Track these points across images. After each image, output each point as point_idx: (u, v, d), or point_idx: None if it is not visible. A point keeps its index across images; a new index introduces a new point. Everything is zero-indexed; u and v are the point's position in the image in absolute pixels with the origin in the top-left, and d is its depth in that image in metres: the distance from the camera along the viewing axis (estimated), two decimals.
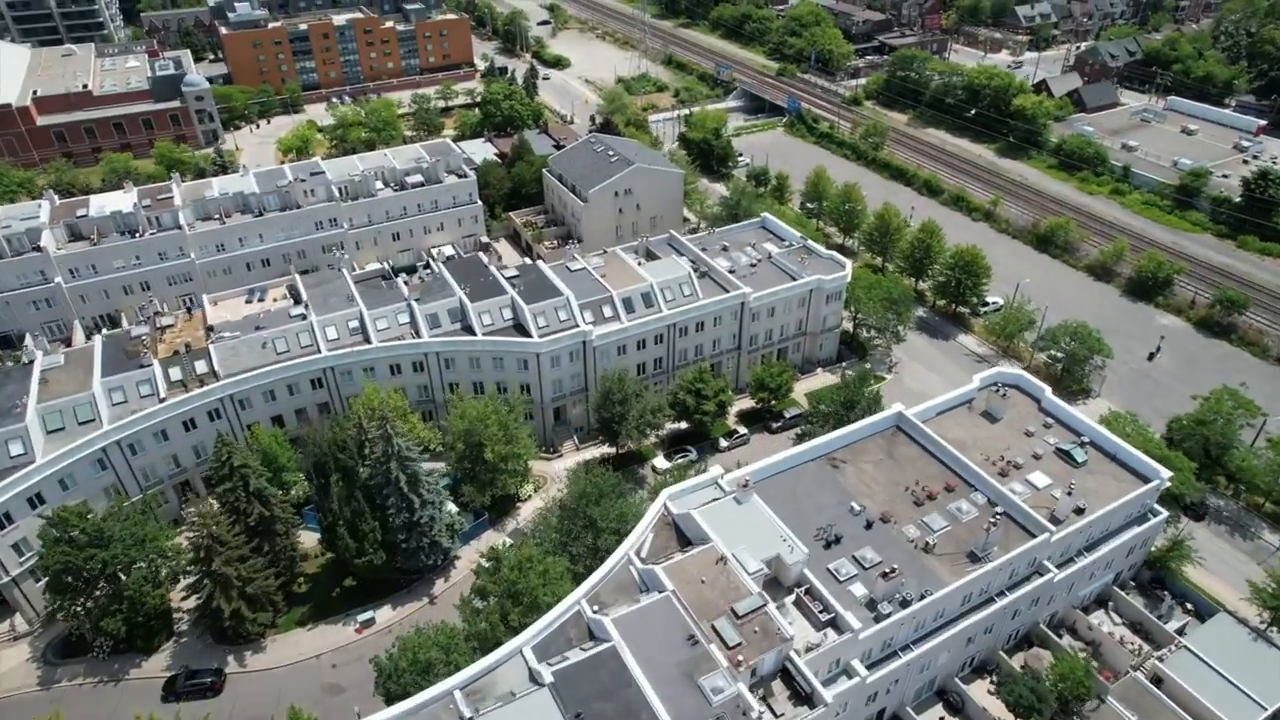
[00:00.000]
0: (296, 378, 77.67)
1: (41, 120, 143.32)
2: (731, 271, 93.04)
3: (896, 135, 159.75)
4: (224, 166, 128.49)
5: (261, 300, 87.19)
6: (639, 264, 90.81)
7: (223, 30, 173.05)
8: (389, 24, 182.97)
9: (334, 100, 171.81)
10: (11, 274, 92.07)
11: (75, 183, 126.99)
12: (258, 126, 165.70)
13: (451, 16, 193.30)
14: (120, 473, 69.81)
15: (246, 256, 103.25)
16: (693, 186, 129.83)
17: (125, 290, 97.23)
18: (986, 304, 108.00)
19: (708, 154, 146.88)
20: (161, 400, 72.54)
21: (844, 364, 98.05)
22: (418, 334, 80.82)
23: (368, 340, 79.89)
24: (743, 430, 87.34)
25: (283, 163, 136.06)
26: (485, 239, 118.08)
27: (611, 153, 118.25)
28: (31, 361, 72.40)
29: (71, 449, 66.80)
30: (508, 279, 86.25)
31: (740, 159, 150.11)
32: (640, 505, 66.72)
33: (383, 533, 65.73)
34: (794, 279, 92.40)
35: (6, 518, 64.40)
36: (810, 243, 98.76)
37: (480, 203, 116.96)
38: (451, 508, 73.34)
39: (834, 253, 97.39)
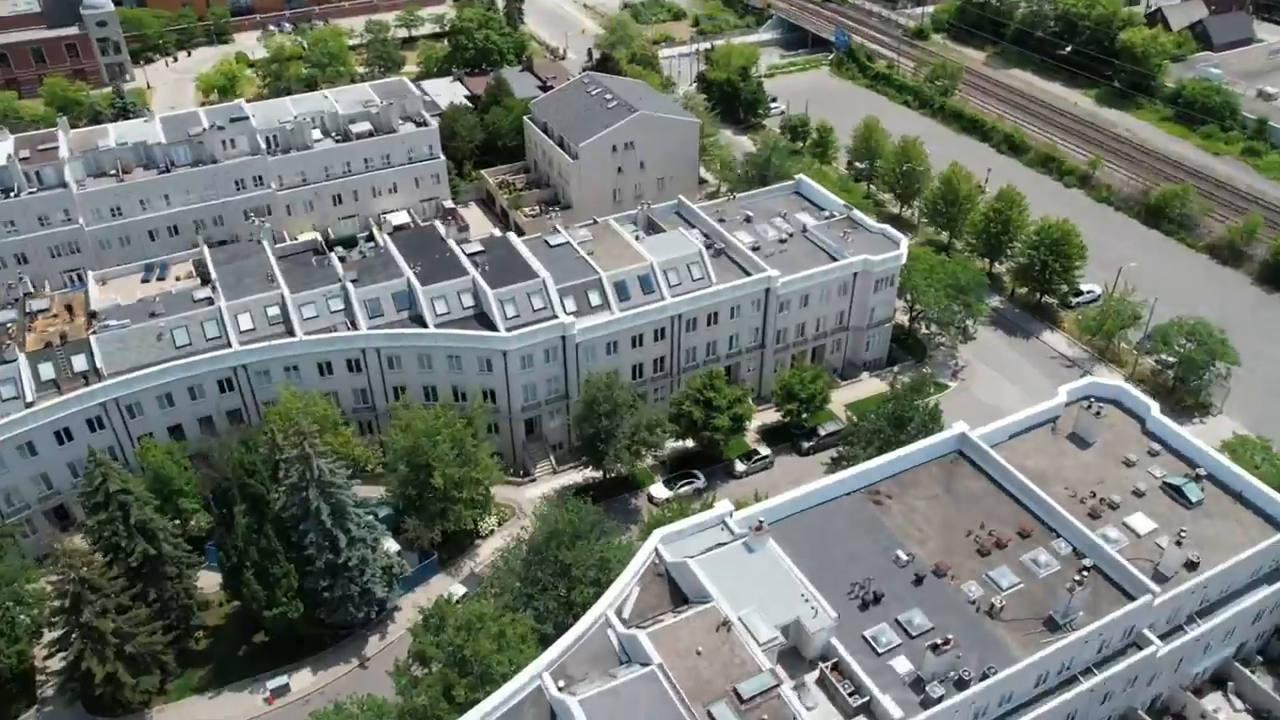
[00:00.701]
0: (200, 378, 75.90)
1: None
2: (755, 249, 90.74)
3: (971, 78, 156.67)
4: (126, 109, 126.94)
5: (161, 279, 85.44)
6: (637, 238, 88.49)
7: None
8: None
9: (270, 28, 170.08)
10: None
11: None
12: (175, 60, 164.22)
13: None
14: None
15: (149, 223, 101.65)
16: (712, 140, 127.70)
17: None
18: (1080, 294, 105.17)
19: (733, 99, 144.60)
20: (28, 405, 70.80)
21: (896, 368, 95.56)
22: (354, 325, 78.80)
23: (291, 332, 77.94)
24: (765, 451, 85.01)
25: (204, 104, 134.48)
26: (449, 203, 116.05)
27: (610, 97, 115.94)
28: None
29: None
30: (470, 256, 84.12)
31: (773, 106, 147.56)
32: (630, 548, 64.47)
33: (300, 578, 63.71)
34: (834, 259, 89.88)
35: None
36: (857, 213, 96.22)
37: (443, 158, 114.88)
38: (391, 546, 71.27)
39: (886, 226, 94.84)
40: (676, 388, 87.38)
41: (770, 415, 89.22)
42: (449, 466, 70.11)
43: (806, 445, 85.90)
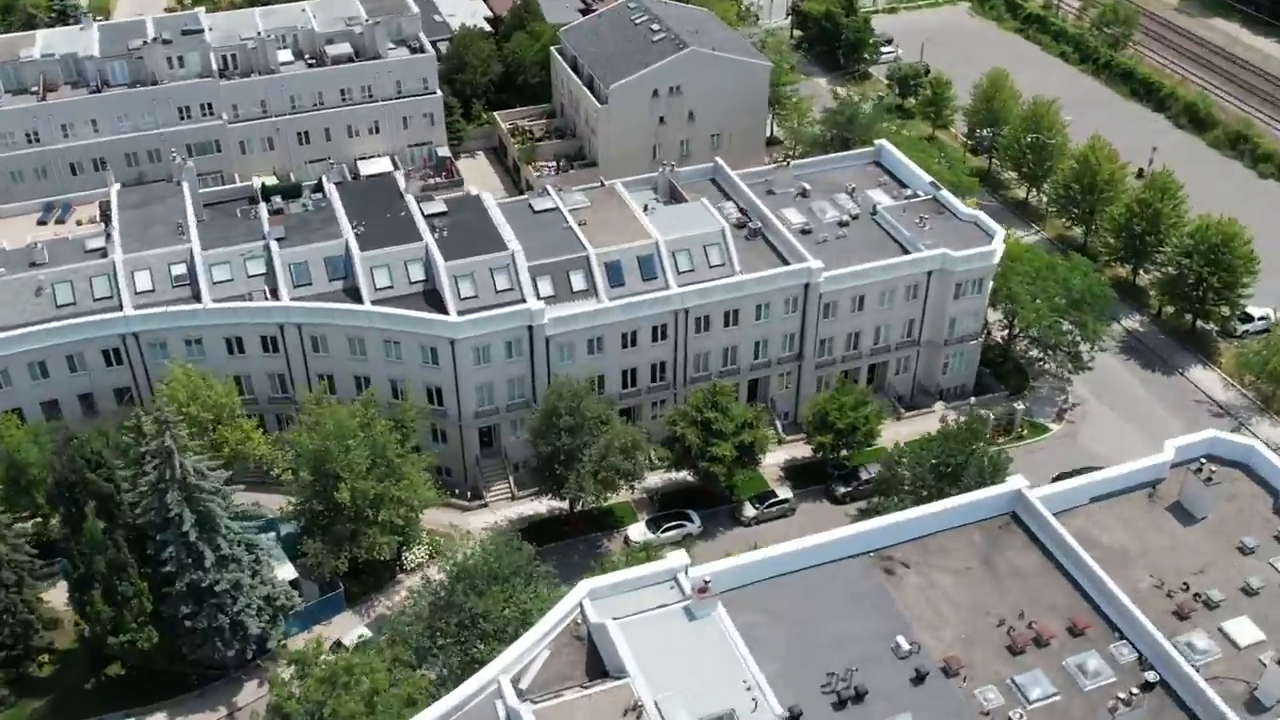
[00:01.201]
0: (82, 345, 78.79)
1: None
2: (805, 232, 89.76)
3: (1152, 26, 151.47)
4: (63, 12, 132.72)
5: (61, 221, 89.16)
6: (648, 208, 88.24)
7: None
8: None
9: None
10: None
11: None
12: None
13: None
14: None
15: (71, 153, 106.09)
16: (792, 88, 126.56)
17: None
18: (1249, 319, 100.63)
19: (833, 39, 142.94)
20: None
21: (983, 398, 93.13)
22: (275, 294, 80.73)
23: (197, 297, 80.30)
24: (785, 494, 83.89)
25: (169, 11, 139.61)
26: (444, 151, 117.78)
27: (657, 27, 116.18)
28: None
29: None
30: (429, 218, 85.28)
31: (885, 51, 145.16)
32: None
33: (157, 600, 65.59)
34: (905, 251, 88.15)
35: None
36: (945, 194, 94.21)
37: (440, 94, 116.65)
38: (284, 573, 72.82)
39: (980, 214, 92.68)
40: (681, 400, 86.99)
41: (800, 450, 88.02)
42: (360, 479, 71.15)
43: (842, 491, 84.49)
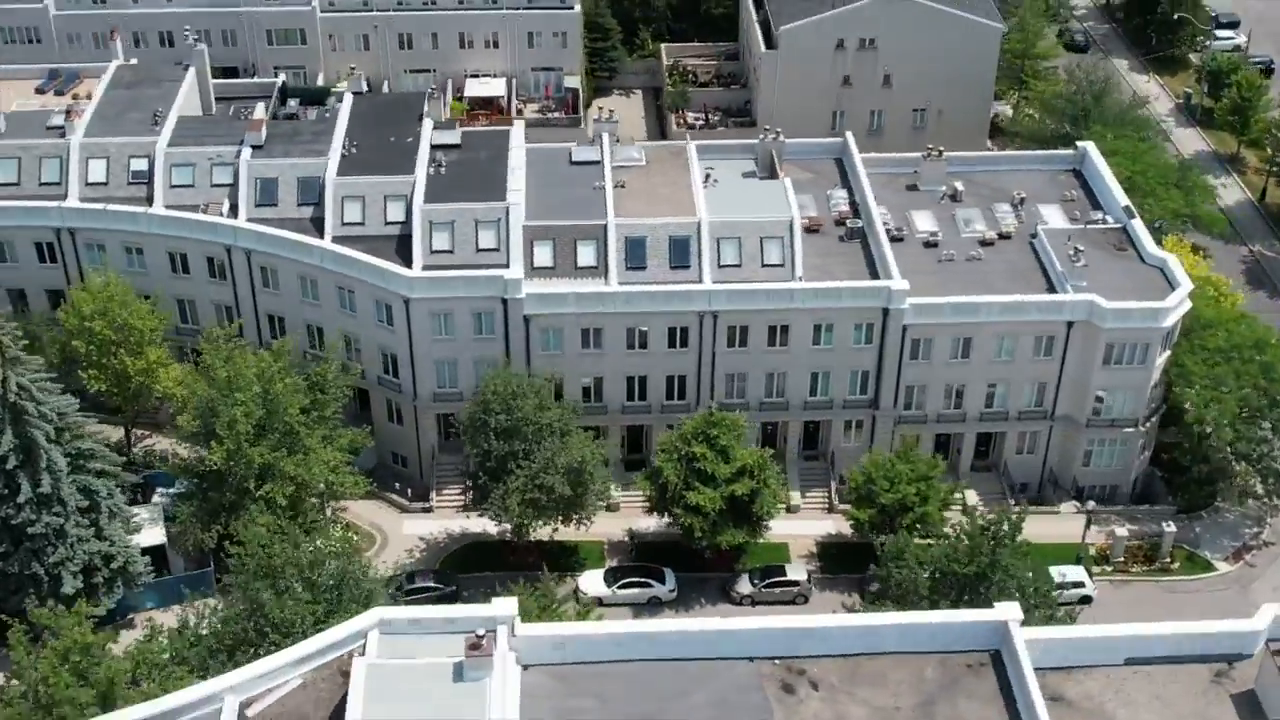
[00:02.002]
0: (13, 234, 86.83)
1: None
2: (930, 245, 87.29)
3: None
4: None
5: (60, 93, 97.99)
6: (709, 178, 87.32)
7: None
8: None
9: None
10: None
11: None
12: None
13: None
14: None
15: (138, 21, 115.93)
16: (1048, 64, 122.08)
17: None
18: None
19: (1148, 9, 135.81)
20: None
21: (1138, 508, 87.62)
22: (234, 211, 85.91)
23: (150, 199, 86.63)
24: (797, 575, 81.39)
25: None
26: (572, 81, 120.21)
27: None
28: None
29: None
30: (435, 148, 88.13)
31: (1222, 37, 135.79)
32: None
33: None
34: (1050, 290, 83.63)
35: None
36: (1137, 225, 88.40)
37: (578, 9, 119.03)
38: (149, 538, 77.69)
39: (1170, 258, 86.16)
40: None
41: (835, 525, 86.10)
42: (242, 441, 74.87)
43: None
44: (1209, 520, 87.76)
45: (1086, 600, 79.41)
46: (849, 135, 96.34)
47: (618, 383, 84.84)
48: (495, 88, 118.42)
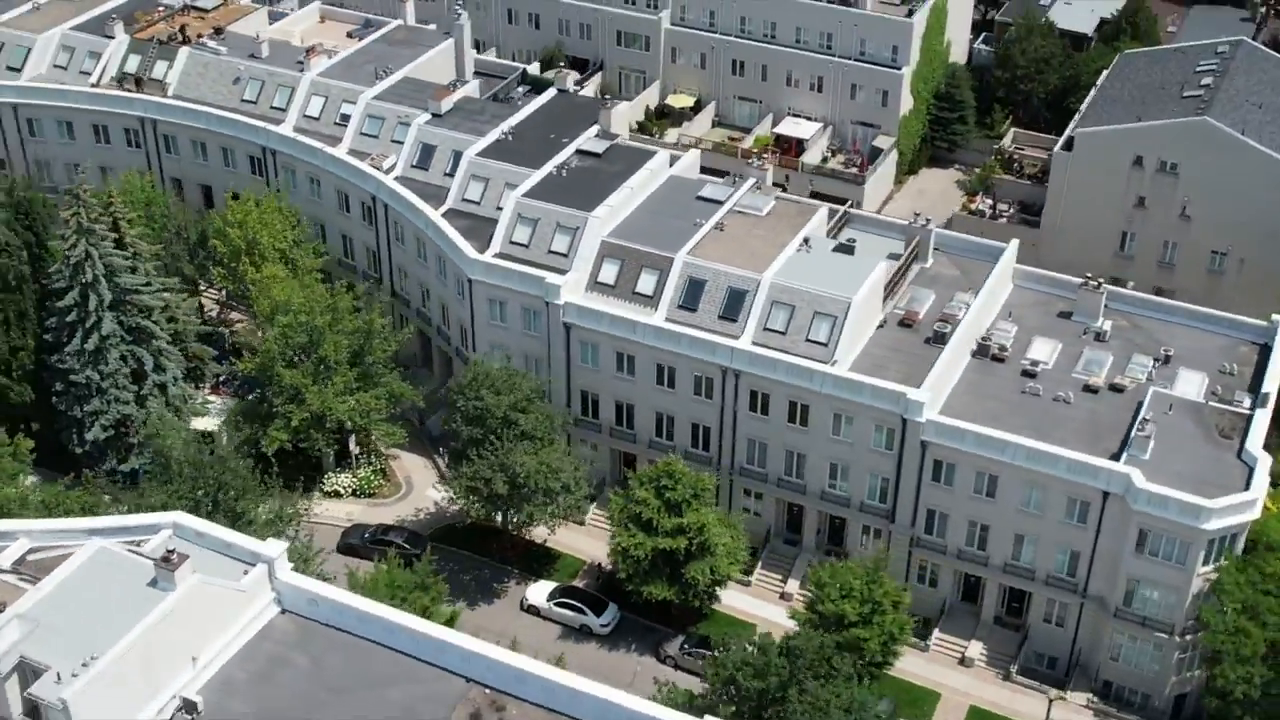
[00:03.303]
0: (234, 143, 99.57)
1: None
2: (1029, 374, 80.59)
3: None
4: None
5: (361, 38, 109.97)
6: (807, 243, 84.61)
7: None
8: None
9: None
10: None
11: None
12: None
13: None
14: None
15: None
16: None
17: None
18: None
19: None
20: (94, 85, 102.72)
21: None
22: (395, 167, 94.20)
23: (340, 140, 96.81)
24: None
25: None
26: (883, 141, 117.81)
27: (1213, 79, 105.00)
28: None
29: None
30: (577, 151, 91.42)
31: None
32: None
33: (39, 365, 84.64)
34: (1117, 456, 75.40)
35: None
36: (1262, 416, 77.16)
37: (906, 71, 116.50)
38: (198, 422, 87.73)
39: (1265, 459, 74.46)
40: (730, 495, 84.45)
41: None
42: (275, 358, 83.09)
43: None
44: None
45: None
46: (1013, 243, 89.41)
47: (647, 415, 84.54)
48: (805, 130, 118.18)
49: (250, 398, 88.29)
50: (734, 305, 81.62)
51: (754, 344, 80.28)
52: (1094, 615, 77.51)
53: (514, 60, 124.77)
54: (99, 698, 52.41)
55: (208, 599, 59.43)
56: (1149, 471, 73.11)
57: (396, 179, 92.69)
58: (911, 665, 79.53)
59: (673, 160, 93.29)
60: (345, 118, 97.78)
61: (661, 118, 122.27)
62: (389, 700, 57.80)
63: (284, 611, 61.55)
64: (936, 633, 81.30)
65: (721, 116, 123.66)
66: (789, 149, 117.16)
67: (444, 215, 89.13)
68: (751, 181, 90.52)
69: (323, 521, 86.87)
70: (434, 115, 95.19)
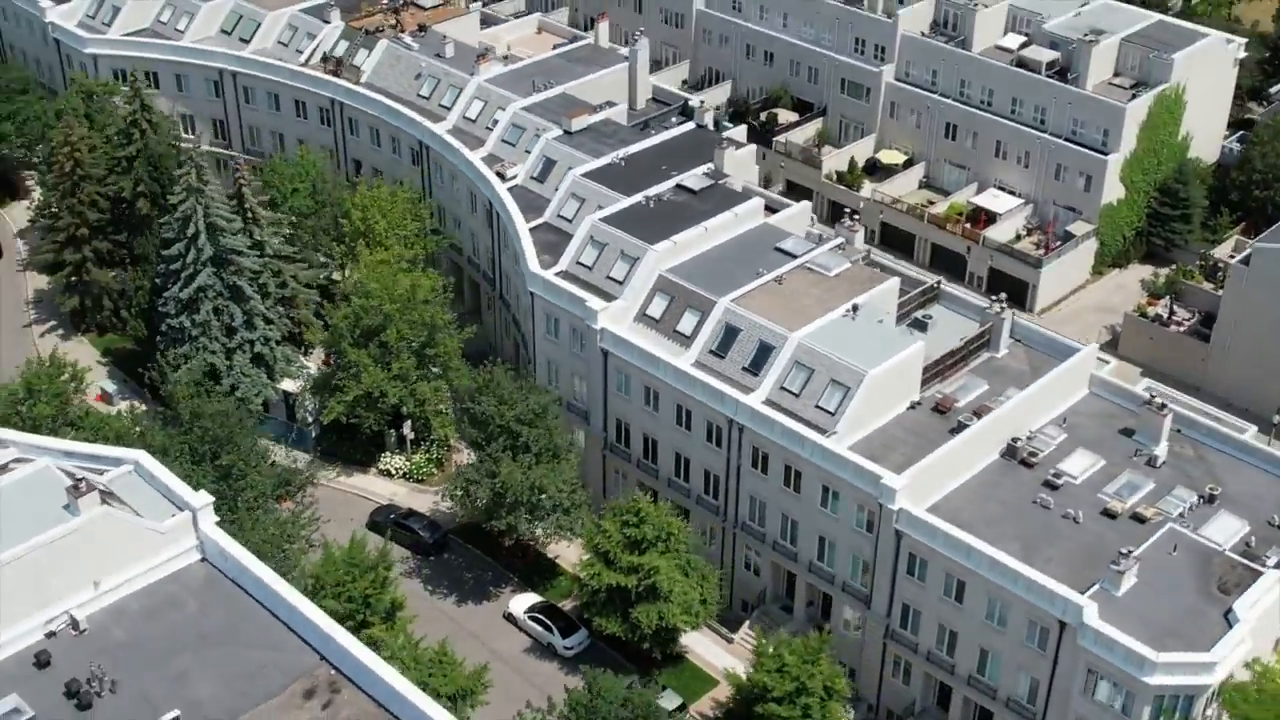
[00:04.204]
0: (398, 133, 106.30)
1: None
2: (1051, 485, 76.07)
3: None
4: None
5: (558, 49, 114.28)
6: (856, 309, 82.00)
7: None
8: None
9: None
10: None
11: None
12: None
13: None
14: None
15: (721, 25, 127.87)
16: None
17: None
18: None
19: None
20: (303, 64, 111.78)
21: None
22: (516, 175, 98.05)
23: (481, 143, 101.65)
24: (665, 703, 77.24)
25: None
26: (1080, 227, 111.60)
27: None
28: None
29: None
30: (675, 186, 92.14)
31: None
32: None
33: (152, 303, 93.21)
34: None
35: None
36: (1272, 572, 70.13)
37: (1115, 158, 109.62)
38: (285, 385, 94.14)
39: (1248, 618, 67.66)
40: (731, 549, 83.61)
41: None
42: (342, 336, 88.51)
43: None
44: None
45: None
46: (1091, 346, 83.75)
47: (669, 453, 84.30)
48: (1003, 204, 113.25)
49: (328, 369, 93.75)
50: (760, 358, 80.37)
51: (767, 400, 78.77)
52: None
53: (748, 95, 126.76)
54: None
55: (123, 533, 64.29)
56: (1112, 610, 67.60)
57: (513, 188, 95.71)
58: None
59: (773, 209, 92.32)
60: (495, 123, 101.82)
61: (871, 172, 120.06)
62: (244, 658, 61.07)
63: (204, 560, 65.89)
64: None
65: (930, 178, 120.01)
66: (980, 221, 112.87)
67: (538, 228, 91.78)
68: (837, 240, 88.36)
69: (365, 495, 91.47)
70: (564, 132, 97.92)
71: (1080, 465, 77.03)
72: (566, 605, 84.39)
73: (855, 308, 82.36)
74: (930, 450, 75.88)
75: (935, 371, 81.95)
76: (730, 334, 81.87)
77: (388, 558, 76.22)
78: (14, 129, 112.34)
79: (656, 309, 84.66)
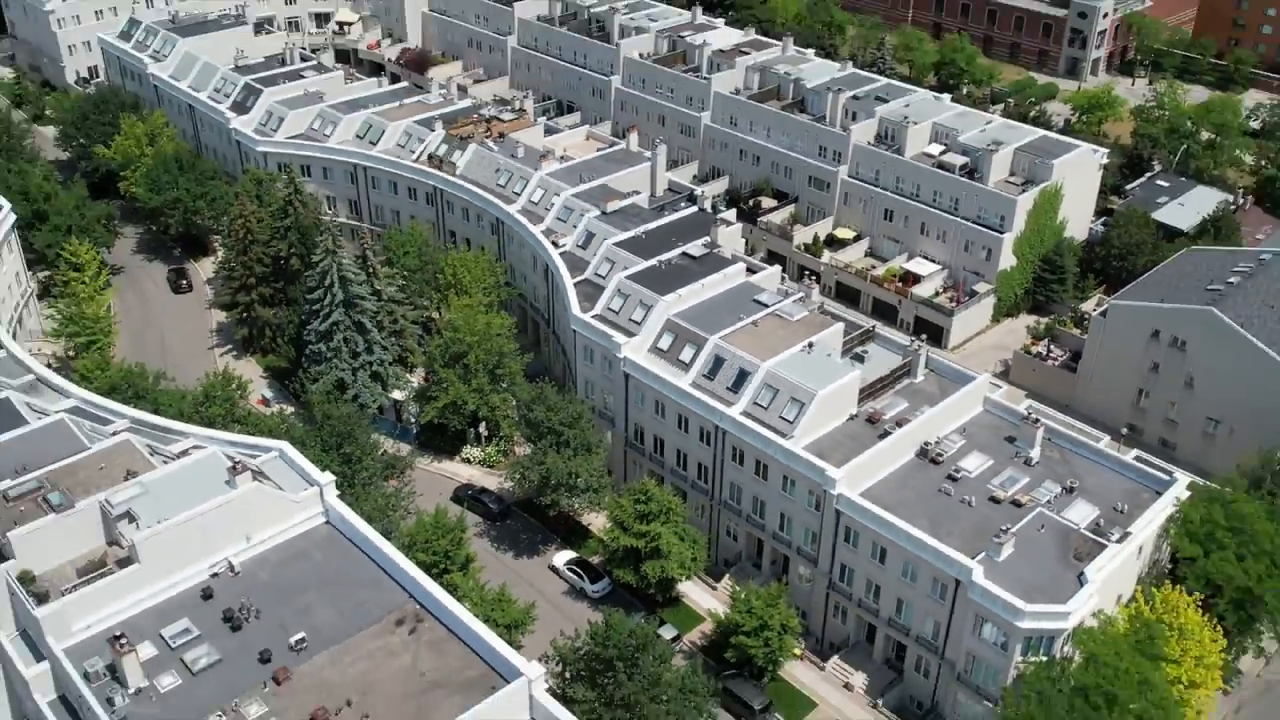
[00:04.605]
0: (479, 212, 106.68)
1: None
2: (951, 478, 75.77)
3: None
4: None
5: (601, 146, 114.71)
6: (811, 346, 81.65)
7: None
8: None
9: None
10: None
11: None
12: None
13: None
14: None
15: (721, 135, 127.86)
16: None
17: None
18: None
19: None
20: (414, 160, 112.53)
21: None
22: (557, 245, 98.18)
23: (534, 220, 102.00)
24: (668, 633, 77.21)
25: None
26: (980, 287, 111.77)
27: (1251, 267, 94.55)
28: None
29: None
30: (683, 253, 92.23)
31: None
32: None
33: (300, 335, 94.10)
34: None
35: None
36: (1117, 549, 69.46)
37: (1008, 236, 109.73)
38: (396, 394, 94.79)
39: (1098, 580, 67.18)
40: (716, 520, 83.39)
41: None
42: (435, 359, 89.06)
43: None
44: None
45: None
46: (984, 375, 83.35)
47: (672, 450, 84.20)
48: (925, 269, 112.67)
49: (426, 383, 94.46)
50: (740, 381, 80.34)
51: (744, 412, 78.78)
52: (947, 675, 71.56)
53: (741, 186, 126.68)
54: (162, 546, 58.71)
55: (268, 502, 65.03)
56: (994, 571, 67.43)
57: (563, 253, 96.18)
58: (805, 677, 76.18)
59: (753, 270, 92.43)
60: (552, 205, 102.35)
61: (830, 244, 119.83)
62: (353, 596, 61.55)
63: (327, 523, 66.51)
64: (835, 659, 76.96)
65: (873, 249, 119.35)
66: (909, 281, 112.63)
67: (580, 283, 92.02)
68: (798, 295, 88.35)
69: (450, 477, 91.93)
70: (602, 213, 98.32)
71: (974, 463, 76.69)
72: (595, 560, 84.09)
73: (811, 345, 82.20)
74: (863, 451, 75.53)
75: (869, 392, 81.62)
76: (718, 362, 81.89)
77: (464, 523, 76.74)
78: (206, 205, 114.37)
79: (665, 343, 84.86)
